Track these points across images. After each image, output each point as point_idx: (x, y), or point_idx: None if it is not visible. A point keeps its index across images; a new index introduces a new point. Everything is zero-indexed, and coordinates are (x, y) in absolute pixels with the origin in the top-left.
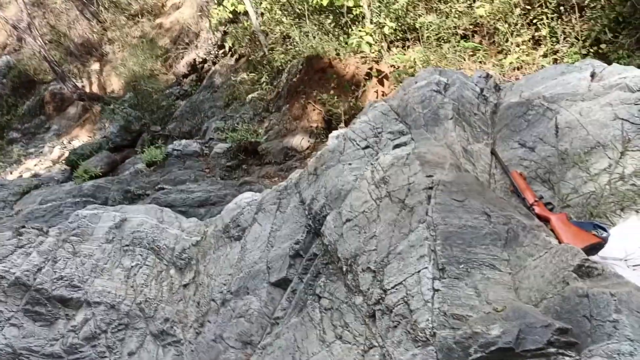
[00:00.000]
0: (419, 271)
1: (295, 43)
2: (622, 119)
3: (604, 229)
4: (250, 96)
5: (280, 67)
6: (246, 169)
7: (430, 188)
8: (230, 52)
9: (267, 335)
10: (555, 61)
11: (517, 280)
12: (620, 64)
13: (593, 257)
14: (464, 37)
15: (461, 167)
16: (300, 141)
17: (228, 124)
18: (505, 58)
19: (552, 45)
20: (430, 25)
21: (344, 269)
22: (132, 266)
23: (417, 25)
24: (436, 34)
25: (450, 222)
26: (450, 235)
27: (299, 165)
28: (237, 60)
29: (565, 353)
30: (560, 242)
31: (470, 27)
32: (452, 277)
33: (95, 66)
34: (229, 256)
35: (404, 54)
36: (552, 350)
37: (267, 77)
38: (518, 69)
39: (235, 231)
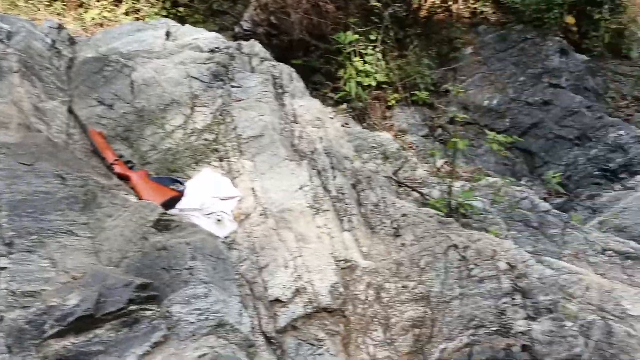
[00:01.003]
0: None
1: None
2: (193, 77)
3: (181, 183)
4: None
5: None
6: None
7: None
8: None
9: None
10: (137, 20)
11: (98, 244)
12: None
13: (172, 211)
14: None
15: (31, 127)
16: None
17: None
18: (86, 12)
19: (133, 3)
20: None
21: None
22: None
23: None
24: None
25: (18, 190)
26: (19, 204)
27: None
28: None
29: (146, 307)
30: (140, 199)
31: None
32: (23, 251)
33: None
34: None
35: None
36: (134, 307)
37: None
38: (100, 25)
39: None
